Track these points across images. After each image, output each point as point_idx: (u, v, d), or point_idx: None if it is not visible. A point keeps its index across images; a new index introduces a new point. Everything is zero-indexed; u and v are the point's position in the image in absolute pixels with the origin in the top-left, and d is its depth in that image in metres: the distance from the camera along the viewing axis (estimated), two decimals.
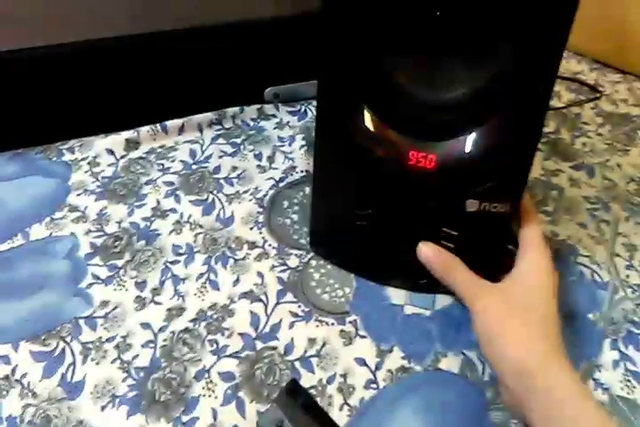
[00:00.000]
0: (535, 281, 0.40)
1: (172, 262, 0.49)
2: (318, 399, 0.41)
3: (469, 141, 0.40)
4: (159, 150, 0.58)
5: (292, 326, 0.45)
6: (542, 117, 0.39)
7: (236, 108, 0.62)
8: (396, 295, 0.47)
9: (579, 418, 0.34)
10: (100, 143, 0.58)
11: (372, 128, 0.42)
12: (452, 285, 0.41)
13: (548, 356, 0.36)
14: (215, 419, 0.40)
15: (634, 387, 0.42)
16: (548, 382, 0.35)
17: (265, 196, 0.55)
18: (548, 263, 0.41)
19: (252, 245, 0.50)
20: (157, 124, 0.59)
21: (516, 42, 0.36)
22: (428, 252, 0.42)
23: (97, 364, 0.42)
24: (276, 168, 0.57)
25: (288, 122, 0.63)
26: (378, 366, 0.43)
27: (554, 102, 0.67)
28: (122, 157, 0.57)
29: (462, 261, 0.42)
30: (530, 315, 0.38)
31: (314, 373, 0.42)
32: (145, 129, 0.59)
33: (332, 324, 0.45)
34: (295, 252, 0.50)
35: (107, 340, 0.44)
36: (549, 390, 0.35)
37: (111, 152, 0.58)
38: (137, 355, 0.43)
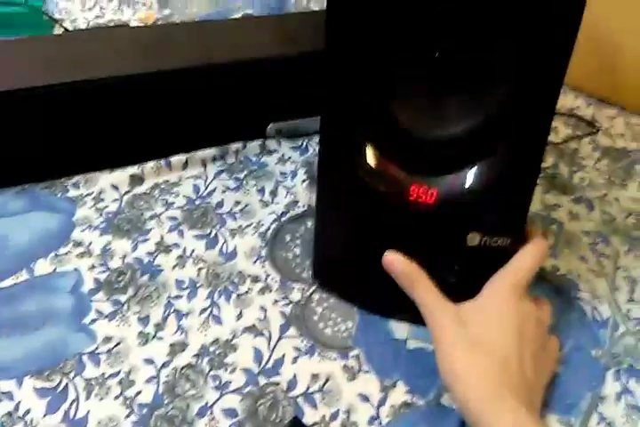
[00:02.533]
0: (498, 311, 0.39)
1: (174, 297, 0.49)
2: None
3: (470, 176, 0.41)
4: (163, 186, 0.59)
5: (294, 361, 0.45)
6: (541, 153, 0.40)
7: (239, 144, 0.64)
8: (400, 329, 0.47)
9: None
10: (105, 179, 0.59)
11: (373, 164, 0.42)
12: (413, 296, 0.41)
13: (503, 398, 0.35)
14: None
15: (635, 421, 0.42)
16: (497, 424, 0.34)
17: (267, 230, 0.55)
18: (520, 291, 0.40)
19: (255, 279, 0.51)
20: (161, 160, 0.60)
21: (515, 81, 0.38)
22: (393, 262, 0.42)
23: (100, 400, 0.42)
24: (279, 203, 0.58)
25: (290, 157, 0.64)
26: (381, 402, 0.43)
27: (552, 137, 0.68)
28: (126, 192, 0.58)
29: (426, 276, 0.41)
30: (484, 345, 0.37)
31: (317, 409, 0.42)
32: (149, 165, 0.60)
33: (335, 359, 0.45)
34: (298, 286, 0.50)
35: (110, 376, 0.43)
36: None
37: (115, 188, 0.58)
38: (140, 391, 0.43)
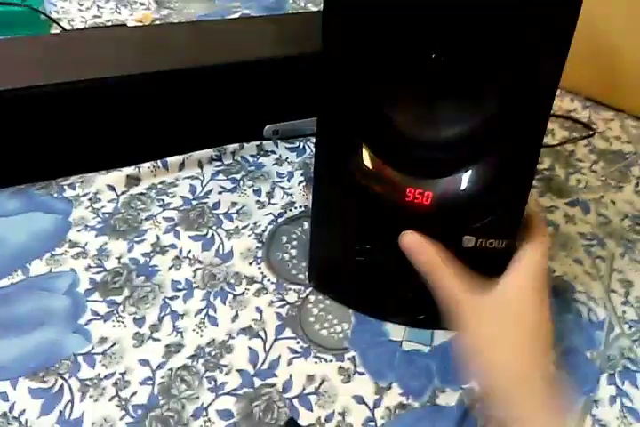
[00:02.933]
0: (524, 293, 0.39)
1: (170, 298, 0.49)
2: None
3: (465, 179, 0.41)
4: (159, 186, 0.59)
5: (290, 362, 0.45)
6: (536, 155, 0.40)
7: (236, 145, 0.64)
8: (395, 331, 0.47)
9: None
10: (102, 179, 0.59)
11: (369, 166, 0.42)
12: (433, 281, 0.39)
13: (524, 384, 0.35)
14: None
15: (630, 424, 0.42)
16: (523, 413, 0.34)
17: (264, 231, 0.55)
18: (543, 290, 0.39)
19: (251, 281, 0.51)
20: (158, 161, 0.60)
21: (510, 84, 0.38)
22: (413, 242, 0.39)
23: (95, 401, 0.42)
24: (275, 204, 0.58)
25: (287, 158, 0.64)
26: (376, 404, 0.43)
27: (548, 140, 0.69)
28: (122, 192, 0.58)
29: (451, 258, 0.39)
30: (522, 326, 0.37)
31: (312, 411, 0.42)
32: (146, 165, 0.60)
33: (331, 360, 0.45)
34: (294, 287, 0.50)
35: (105, 377, 0.43)
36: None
37: (112, 188, 0.58)
38: (135, 392, 0.43)
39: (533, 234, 0.42)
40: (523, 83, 0.38)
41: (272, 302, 0.49)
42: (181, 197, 0.58)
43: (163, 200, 0.58)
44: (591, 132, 0.71)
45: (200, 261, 0.52)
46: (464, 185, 0.41)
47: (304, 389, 0.43)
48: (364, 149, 0.42)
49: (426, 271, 0.39)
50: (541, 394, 0.35)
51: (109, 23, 0.84)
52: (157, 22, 0.85)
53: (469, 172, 0.41)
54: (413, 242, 0.40)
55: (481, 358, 0.37)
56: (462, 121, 0.40)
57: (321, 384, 0.44)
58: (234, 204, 0.58)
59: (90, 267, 0.51)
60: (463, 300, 0.39)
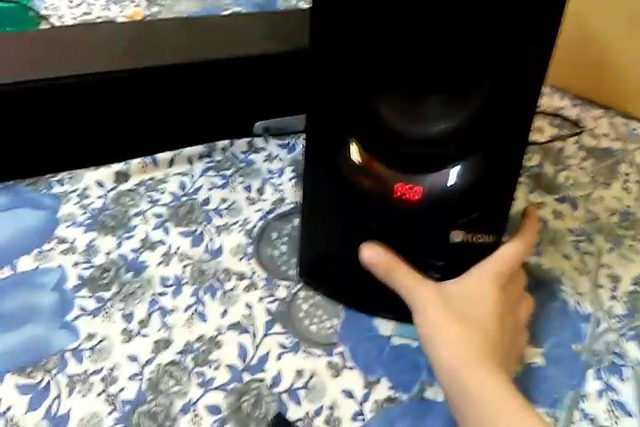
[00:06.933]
0: (480, 292, 0.39)
1: (159, 294, 0.49)
2: None
3: (453, 174, 0.41)
4: (149, 182, 0.59)
5: (279, 357, 0.45)
6: (523, 151, 0.41)
7: (226, 142, 0.63)
8: (384, 326, 0.47)
9: None
10: (90, 176, 0.59)
11: (358, 161, 0.42)
12: (392, 282, 0.41)
13: (483, 364, 0.36)
14: None
15: (617, 418, 0.42)
16: (481, 391, 0.34)
17: (254, 227, 0.55)
18: (503, 280, 0.40)
19: (241, 277, 0.51)
20: (148, 157, 0.60)
21: (497, 80, 0.38)
22: (370, 255, 0.42)
23: (83, 397, 0.42)
24: (266, 200, 0.58)
25: (277, 155, 0.64)
26: (365, 398, 0.43)
27: (537, 137, 0.69)
28: (111, 189, 0.58)
29: (403, 263, 0.41)
30: (469, 320, 0.38)
31: (301, 405, 0.42)
32: (135, 161, 0.60)
33: (320, 355, 0.45)
34: (284, 283, 0.50)
35: (93, 372, 0.43)
36: (483, 402, 0.34)
37: (101, 184, 0.58)
38: (123, 388, 0.43)
39: (519, 232, 0.43)
40: (509, 79, 0.38)
41: (262, 297, 0.49)
42: (171, 193, 0.58)
43: (152, 196, 0.58)
44: (580, 130, 0.71)
45: (189, 258, 0.52)
46: (452, 180, 0.41)
47: (293, 384, 0.43)
48: (352, 145, 0.42)
49: (384, 272, 0.42)
50: (493, 376, 0.35)
51: (99, 20, 0.84)
52: (148, 19, 0.85)
53: (457, 167, 0.41)
54: (372, 253, 0.42)
55: (425, 351, 0.38)
56: (450, 117, 0.40)
57: (310, 379, 0.44)
58: (224, 200, 0.58)
59: (78, 263, 0.51)
60: (415, 288, 0.40)
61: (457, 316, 0.38)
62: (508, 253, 0.41)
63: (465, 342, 0.37)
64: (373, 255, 0.42)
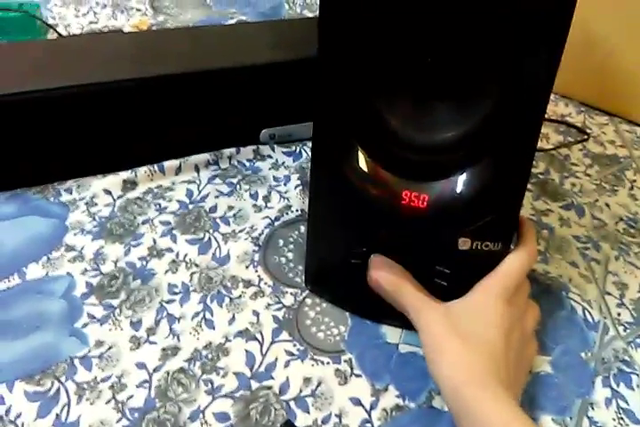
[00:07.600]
0: (485, 309, 0.40)
1: (167, 302, 0.49)
2: None
3: (460, 182, 0.41)
4: (156, 190, 0.59)
5: (287, 364, 0.45)
6: (531, 159, 0.41)
7: (233, 149, 0.64)
8: (391, 334, 0.47)
9: None
10: (98, 183, 0.59)
11: (365, 169, 0.43)
12: (397, 303, 0.42)
13: (487, 384, 0.36)
14: None
15: (626, 425, 0.42)
16: (485, 411, 0.35)
17: (260, 235, 0.55)
18: (509, 294, 0.40)
19: (248, 284, 0.51)
20: (155, 165, 0.60)
21: (504, 87, 0.38)
22: (375, 278, 0.43)
23: (91, 404, 0.42)
24: (272, 207, 0.58)
25: (283, 162, 0.64)
26: (373, 406, 0.43)
27: (543, 144, 0.69)
28: (119, 197, 0.58)
29: (411, 279, 0.42)
30: (473, 339, 0.38)
31: (309, 413, 0.42)
32: (142, 169, 0.60)
33: (328, 363, 0.45)
34: (290, 290, 0.50)
35: (101, 380, 0.43)
36: (486, 422, 0.34)
37: (108, 192, 0.58)
38: (132, 395, 0.43)
39: (519, 242, 0.43)
40: (517, 85, 0.38)
41: (269, 304, 0.49)
42: (178, 200, 0.58)
43: (159, 204, 0.58)
44: (585, 137, 0.71)
45: (197, 265, 0.52)
46: (460, 188, 0.41)
47: (301, 391, 0.43)
48: (359, 153, 0.43)
49: (391, 292, 0.42)
50: (497, 398, 0.35)
51: (106, 29, 0.85)
52: (154, 28, 0.86)
53: (465, 175, 0.41)
54: (380, 276, 0.43)
55: (430, 370, 0.39)
56: (457, 124, 0.41)
57: (318, 386, 0.44)
58: (230, 207, 0.58)
59: (86, 270, 0.51)
60: (421, 308, 0.41)
61: (461, 335, 0.38)
62: (514, 266, 0.42)
63: (469, 361, 0.37)
64: (379, 278, 0.43)
